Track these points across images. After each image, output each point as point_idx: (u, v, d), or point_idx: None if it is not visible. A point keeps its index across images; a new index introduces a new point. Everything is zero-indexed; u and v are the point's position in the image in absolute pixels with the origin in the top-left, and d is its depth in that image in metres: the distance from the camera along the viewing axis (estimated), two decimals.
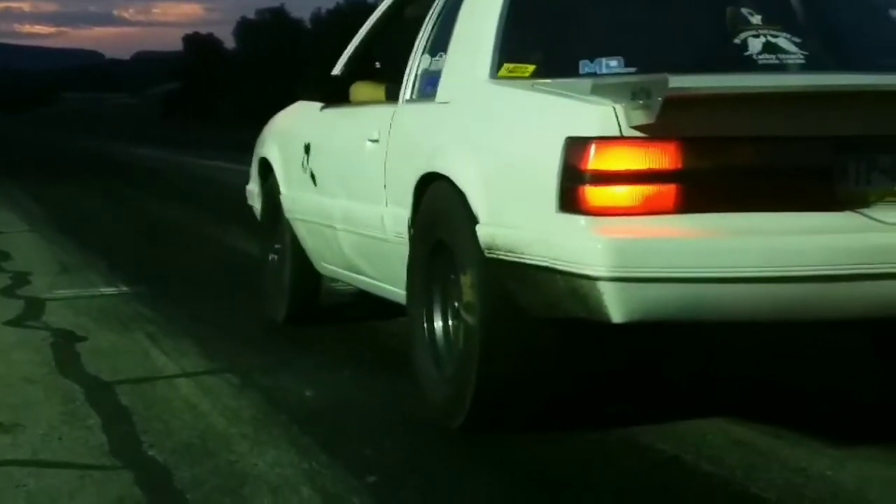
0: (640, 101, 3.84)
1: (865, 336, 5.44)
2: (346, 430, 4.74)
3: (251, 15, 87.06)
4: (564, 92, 4.29)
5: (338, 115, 6.13)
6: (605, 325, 3.97)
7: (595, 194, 3.93)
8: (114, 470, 4.25)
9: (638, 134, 3.91)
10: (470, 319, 4.49)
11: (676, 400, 5.17)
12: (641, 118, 3.86)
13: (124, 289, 8.15)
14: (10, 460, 4.36)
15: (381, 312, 6.53)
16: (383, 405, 5.09)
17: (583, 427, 4.68)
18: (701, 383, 5.54)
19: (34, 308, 7.42)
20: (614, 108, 3.94)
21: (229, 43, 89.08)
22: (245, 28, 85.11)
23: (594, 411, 4.94)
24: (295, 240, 6.65)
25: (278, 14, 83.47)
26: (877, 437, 4.56)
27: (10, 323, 6.96)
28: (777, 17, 4.85)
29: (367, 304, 6.73)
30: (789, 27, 4.82)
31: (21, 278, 8.61)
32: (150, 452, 4.42)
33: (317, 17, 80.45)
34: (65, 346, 6.32)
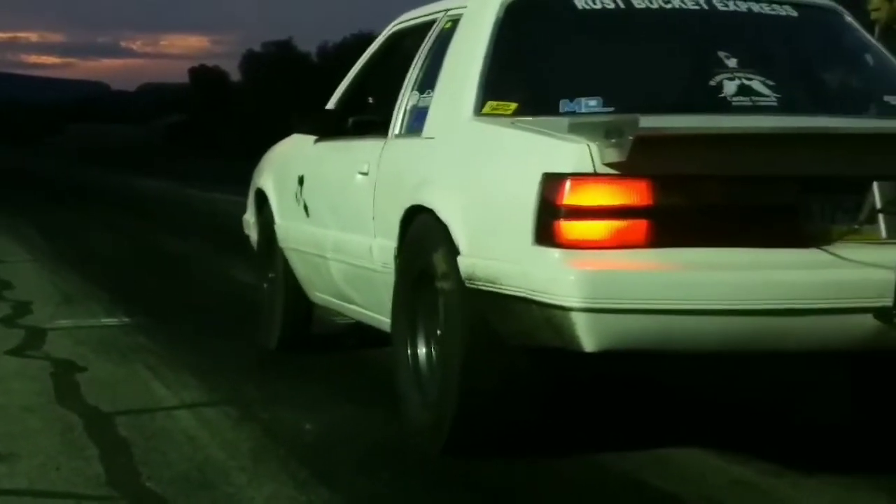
0: (613, 140, 4.00)
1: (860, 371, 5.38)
2: (344, 462, 4.75)
3: (257, 48, 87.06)
4: (543, 130, 4.45)
5: (331, 149, 6.28)
6: (580, 354, 4.11)
7: (569, 228, 4.09)
8: (111, 501, 4.26)
9: (611, 171, 4.07)
10: (451, 347, 4.64)
11: (676, 434, 5.13)
12: (614, 156, 4.02)
13: (125, 319, 8.12)
14: (7, 490, 4.35)
15: (378, 343, 6.47)
16: (381, 437, 5.11)
17: (582, 462, 4.72)
18: (700, 418, 5.54)
19: (34, 337, 7.39)
20: (589, 146, 4.10)
21: (235, 76, 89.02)
22: (251, 61, 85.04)
23: (592, 445, 4.94)
24: (288, 268, 6.79)
25: (285, 47, 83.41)
26: (881, 476, 4.57)
27: (10, 352, 6.93)
28: (753, 61, 5.01)
29: (365, 336, 6.72)
30: (764, 70, 4.97)
31: (22, 307, 8.57)
32: (147, 484, 4.41)
33: (323, 51, 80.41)
34: (64, 376, 6.30)
